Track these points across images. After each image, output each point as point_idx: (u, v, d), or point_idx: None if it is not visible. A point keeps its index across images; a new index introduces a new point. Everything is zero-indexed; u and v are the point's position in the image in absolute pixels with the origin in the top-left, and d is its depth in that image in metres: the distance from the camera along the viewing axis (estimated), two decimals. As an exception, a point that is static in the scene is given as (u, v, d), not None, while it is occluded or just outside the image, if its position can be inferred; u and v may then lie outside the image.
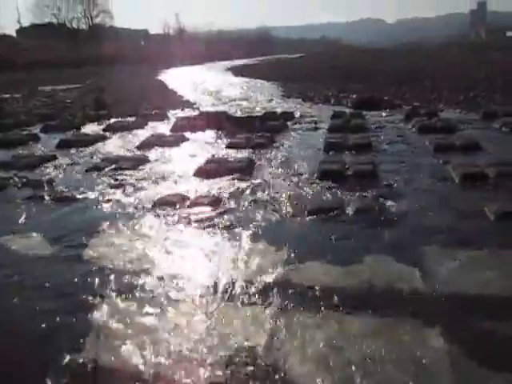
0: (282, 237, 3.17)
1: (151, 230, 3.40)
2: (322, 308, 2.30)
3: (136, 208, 3.89)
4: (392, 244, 3.00)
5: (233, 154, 5.69)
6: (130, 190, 4.41)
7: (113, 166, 5.25)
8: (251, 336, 2.11)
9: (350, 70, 20.81)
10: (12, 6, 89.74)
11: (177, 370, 1.92)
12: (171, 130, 7.55)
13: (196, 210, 3.74)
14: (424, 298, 2.36)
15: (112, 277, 2.70)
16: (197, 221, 3.53)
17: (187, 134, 7.08)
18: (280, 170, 4.88)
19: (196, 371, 1.90)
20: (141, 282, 2.64)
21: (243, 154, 5.67)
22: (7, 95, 15.21)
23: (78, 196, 4.30)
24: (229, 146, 6.11)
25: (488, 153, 5.23)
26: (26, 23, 61.69)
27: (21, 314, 2.41)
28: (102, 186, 4.55)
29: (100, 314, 2.33)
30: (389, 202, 3.69)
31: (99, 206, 4.00)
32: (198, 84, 18.91)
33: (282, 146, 6.12)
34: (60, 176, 5.06)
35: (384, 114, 8.44)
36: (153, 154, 5.97)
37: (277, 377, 1.85)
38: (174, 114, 9.40)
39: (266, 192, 4.13)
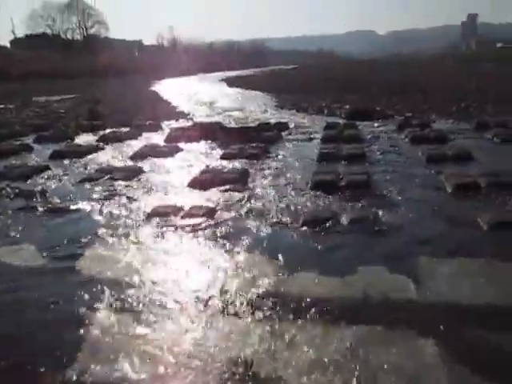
0: (276, 247, 3.16)
1: (145, 241, 3.38)
2: (316, 319, 2.29)
3: (130, 219, 3.87)
4: (386, 254, 3.00)
5: (227, 164, 5.70)
6: (123, 200, 4.39)
7: (106, 177, 5.22)
8: (244, 347, 2.09)
9: (343, 82, 20.99)
10: (6, 16, 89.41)
11: (168, 382, 1.90)
12: (165, 141, 7.55)
13: (190, 220, 3.73)
14: (418, 308, 2.37)
15: (104, 288, 2.68)
16: (190, 232, 3.52)
17: (181, 145, 7.09)
18: (274, 180, 4.89)
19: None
20: (133, 293, 2.62)
21: (238, 164, 5.68)
22: (1, 106, 15.20)
23: (71, 207, 4.26)
24: (223, 157, 6.12)
25: (480, 163, 5.27)
26: (20, 34, 62.09)
27: (11, 324, 2.38)
28: (95, 197, 4.53)
29: (91, 326, 2.31)
30: (382, 212, 3.71)
31: (92, 217, 3.97)
32: (192, 95, 18.98)
33: (277, 156, 6.14)
34: (53, 187, 5.03)
35: (377, 125, 8.51)
36: (147, 164, 5.95)
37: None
38: (168, 125, 9.42)
39: (261, 202, 4.13)
